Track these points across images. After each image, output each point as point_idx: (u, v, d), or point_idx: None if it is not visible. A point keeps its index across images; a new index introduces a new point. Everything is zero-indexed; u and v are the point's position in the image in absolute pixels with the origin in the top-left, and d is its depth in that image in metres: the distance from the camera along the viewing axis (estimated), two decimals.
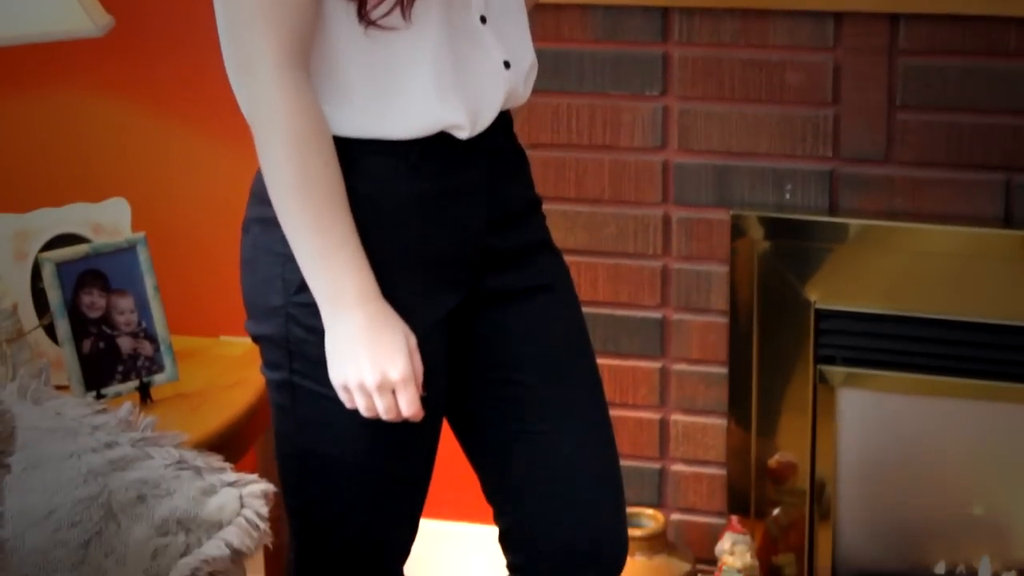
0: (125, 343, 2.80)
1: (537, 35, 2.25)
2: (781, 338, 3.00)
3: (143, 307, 2.82)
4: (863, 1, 2.83)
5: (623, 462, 2.33)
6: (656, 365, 3.11)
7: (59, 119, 3.31)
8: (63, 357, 2.75)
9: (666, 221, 3.04)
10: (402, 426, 2.05)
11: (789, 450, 3.05)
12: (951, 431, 3.00)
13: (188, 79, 3.22)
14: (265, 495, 2.15)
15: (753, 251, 2.98)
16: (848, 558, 3.10)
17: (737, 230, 2.99)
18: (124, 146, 3.30)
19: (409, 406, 2.01)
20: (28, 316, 2.82)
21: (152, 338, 2.82)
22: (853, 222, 2.93)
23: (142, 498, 2.14)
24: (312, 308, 2.02)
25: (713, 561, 3.04)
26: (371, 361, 1.99)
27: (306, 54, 1.97)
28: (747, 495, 3.09)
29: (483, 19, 2.07)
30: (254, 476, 2.19)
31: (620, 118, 3.02)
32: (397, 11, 1.97)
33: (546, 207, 2.29)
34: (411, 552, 2.28)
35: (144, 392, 2.79)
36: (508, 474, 2.24)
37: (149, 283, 2.82)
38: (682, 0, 2.91)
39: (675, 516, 3.15)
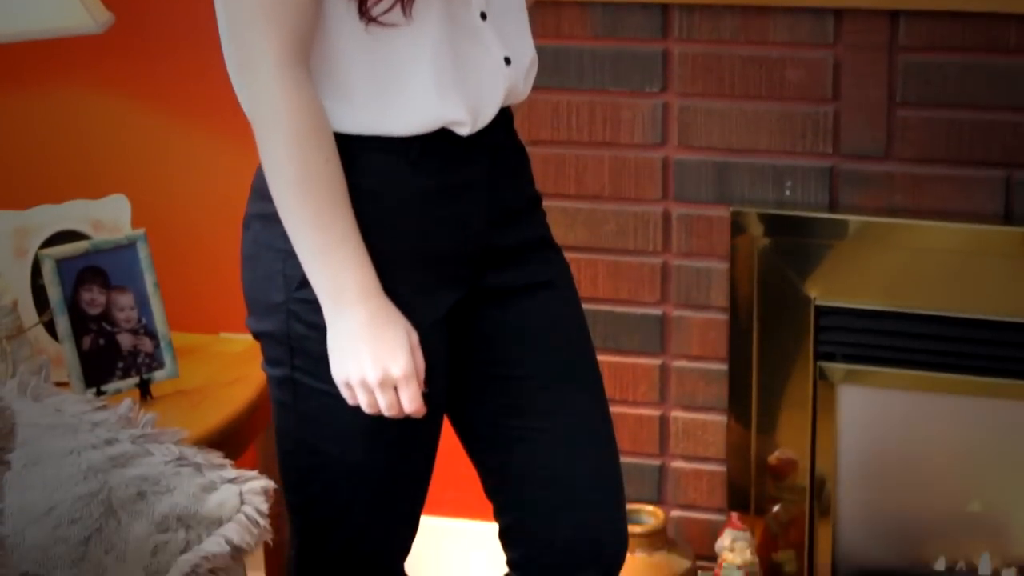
0: (125, 340, 2.80)
1: (537, 32, 2.25)
2: (781, 335, 3.00)
3: (143, 304, 2.82)
4: None
5: (623, 459, 2.33)
6: (656, 362, 3.11)
7: (59, 116, 3.31)
8: (63, 354, 2.75)
9: (666, 218, 3.04)
10: (403, 423, 2.05)
11: (789, 447, 3.05)
12: (951, 427, 3.00)
13: (188, 76, 3.22)
14: (265, 492, 2.15)
15: (753, 248, 2.98)
16: (848, 554, 3.10)
17: (737, 227, 2.98)
18: (124, 143, 3.30)
19: (411, 402, 2.02)
20: (28, 313, 2.82)
21: (152, 335, 2.82)
22: (853, 219, 2.92)
23: (142, 495, 2.14)
24: (313, 304, 2.02)
25: (713, 558, 3.04)
26: (373, 358, 1.99)
27: (307, 51, 1.97)
28: (747, 492, 3.09)
29: (483, 15, 2.07)
30: (254, 473, 2.19)
31: (620, 115, 3.02)
32: (398, 8, 1.97)
33: (546, 204, 2.28)
34: (412, 549, 2.28)
35: (144, 389, 2.79)
36: (508, 471, 2.24)
37: (149, 280, 2.82)
38: None
39: (675, 513, 3.16)
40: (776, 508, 3.08)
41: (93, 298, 2.77)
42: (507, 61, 2.10)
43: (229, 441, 2.66)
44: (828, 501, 3.06)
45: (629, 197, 3.05)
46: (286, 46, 1.94)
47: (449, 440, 2.25)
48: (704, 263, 3.04)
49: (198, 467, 2.18)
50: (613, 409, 2.32)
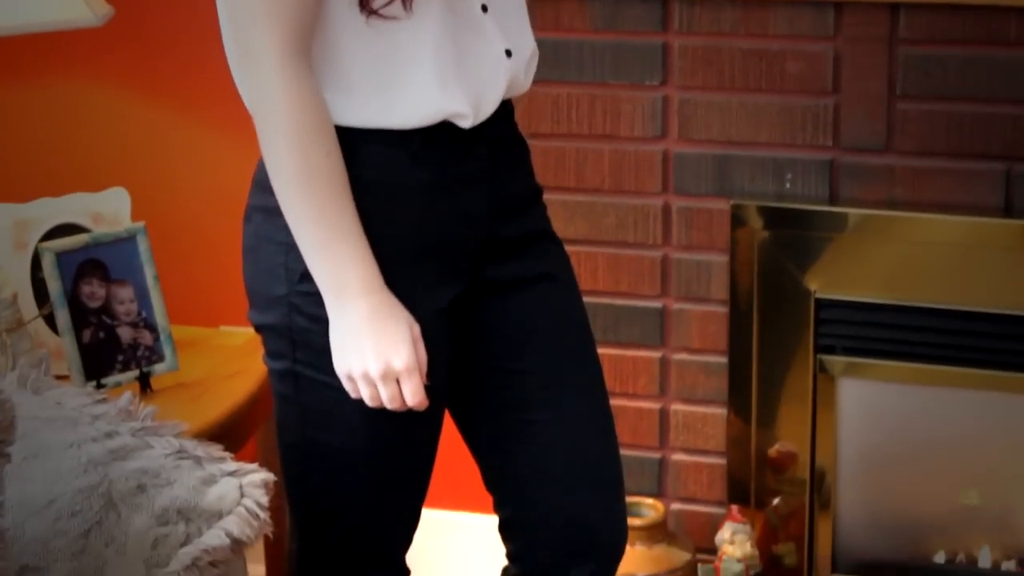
0: (125, 333, 2.80)
1: (537, 25, 2.25)
2: (781, 327, 3.00)
3: (143, 297, 2.82)
4: None
5: (623, 452, 2.33)
6: (656, 355, 3.11)
7: (59, 109, 3.31)
8: (63, 347, 2.75)
9: (666, 211, 3.04)
10: (405, 416, 2.05)
11: (789, 439, 3.05)
12: (951, 420, 3.01)
13: (188, 69, 3.22)
14: (265, 484, 2.15)
15: (753, 240, 2.98)
16: (848, 547, 3.10)
17: (737, 220, 2.98)
18: (124, 136, 3.30)
19: (413, 395, 2.02)
20: (28, 306, 2.82)
21: (152, 328, 2.82)
22: (853, 211, 2.92)
23: (142, 488, 2.14)
24: (315, 297, 2.02)
25: (713, 550, 3.04)
26: (375, 351, 1.99)
27: (308, 44, 1.97)
28: (747, 484, 3.09)
29: (484, 8, 2.07)
30: (254, 466, 2.19)
31: (620, 108, 3.02)
32: (398, 1, 1.97)
33: (546, 197, 2.28)
34: (413, 542, 2.28)
35: (144, 382, 2.79)
36: (508, 463, 2.24)
37: (149, 273, 2.82)
38: None
39: (675, 505, 3.16)
40: (776, 501, 3.08)
41: (93, 291, 2.77)
42: (508, 53, 2.10)
43: (229, 434, 2.66)
44: (828, 494, 3.06)
45: (629, 190, 3.04)
46: (287, 39, 1.94)
47: (450, 433, 2.25)
48: (704, 256, 3.04)
49: (198, 460, 2.18)
50: (613, 402, 2.31)
